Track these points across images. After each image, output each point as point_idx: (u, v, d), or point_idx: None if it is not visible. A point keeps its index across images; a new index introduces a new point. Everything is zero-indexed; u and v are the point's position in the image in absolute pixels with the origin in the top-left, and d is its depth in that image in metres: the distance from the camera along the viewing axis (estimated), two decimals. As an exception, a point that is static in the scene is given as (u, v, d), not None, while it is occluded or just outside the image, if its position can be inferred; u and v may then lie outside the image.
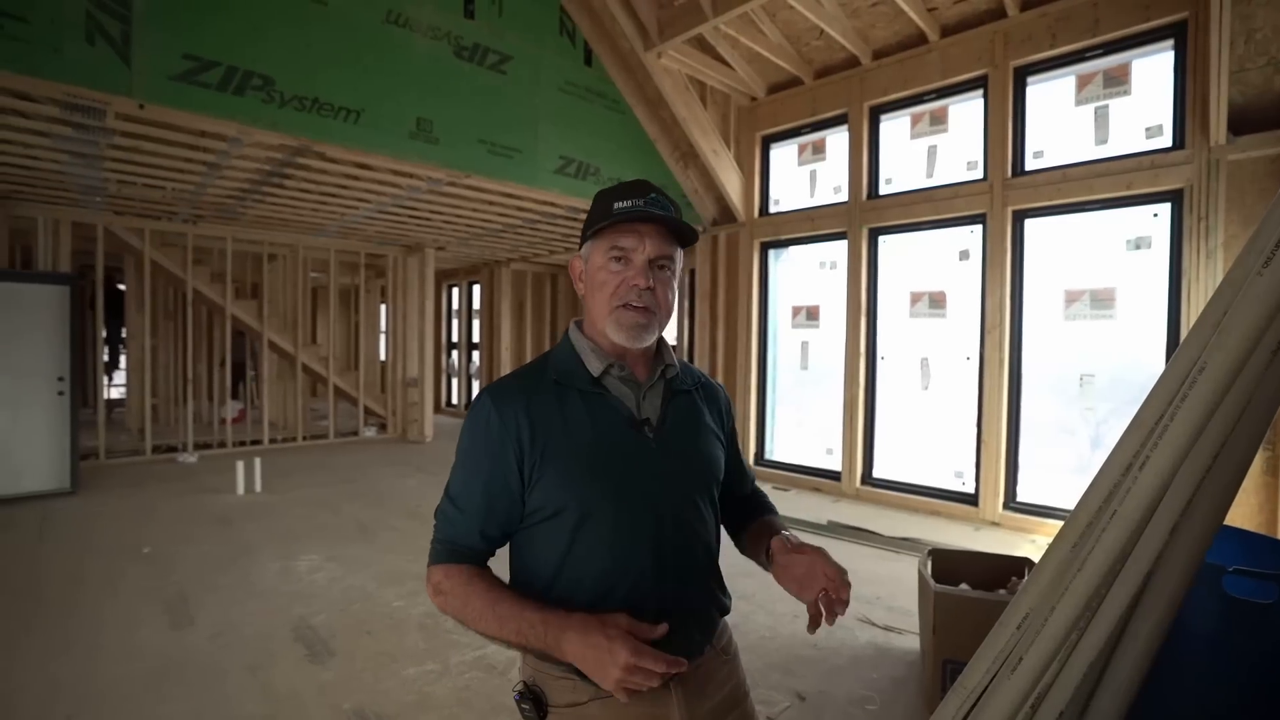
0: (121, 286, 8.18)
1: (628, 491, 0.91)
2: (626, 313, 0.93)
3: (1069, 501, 4.14)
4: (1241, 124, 3.46)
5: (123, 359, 9.79)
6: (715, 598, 1.01)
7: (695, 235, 0.98)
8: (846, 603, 0.90)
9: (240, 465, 5.11)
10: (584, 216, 6.01)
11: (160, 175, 4.64)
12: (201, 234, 6.61)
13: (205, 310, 7.85)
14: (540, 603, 0.86)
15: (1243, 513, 3.41)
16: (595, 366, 0.96)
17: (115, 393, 9.84)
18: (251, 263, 7.91)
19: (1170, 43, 3.79)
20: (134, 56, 3.28)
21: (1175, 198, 3.76)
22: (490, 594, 0.88)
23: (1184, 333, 3.66)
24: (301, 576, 3.36)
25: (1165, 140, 3.82)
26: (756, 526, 1.10)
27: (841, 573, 0.91)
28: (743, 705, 1.02)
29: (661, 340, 1.04)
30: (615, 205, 0.92)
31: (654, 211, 0.91)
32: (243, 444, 7.01)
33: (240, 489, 5.05)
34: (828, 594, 0.89)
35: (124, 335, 8.63)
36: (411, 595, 3.12)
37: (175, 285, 7.33)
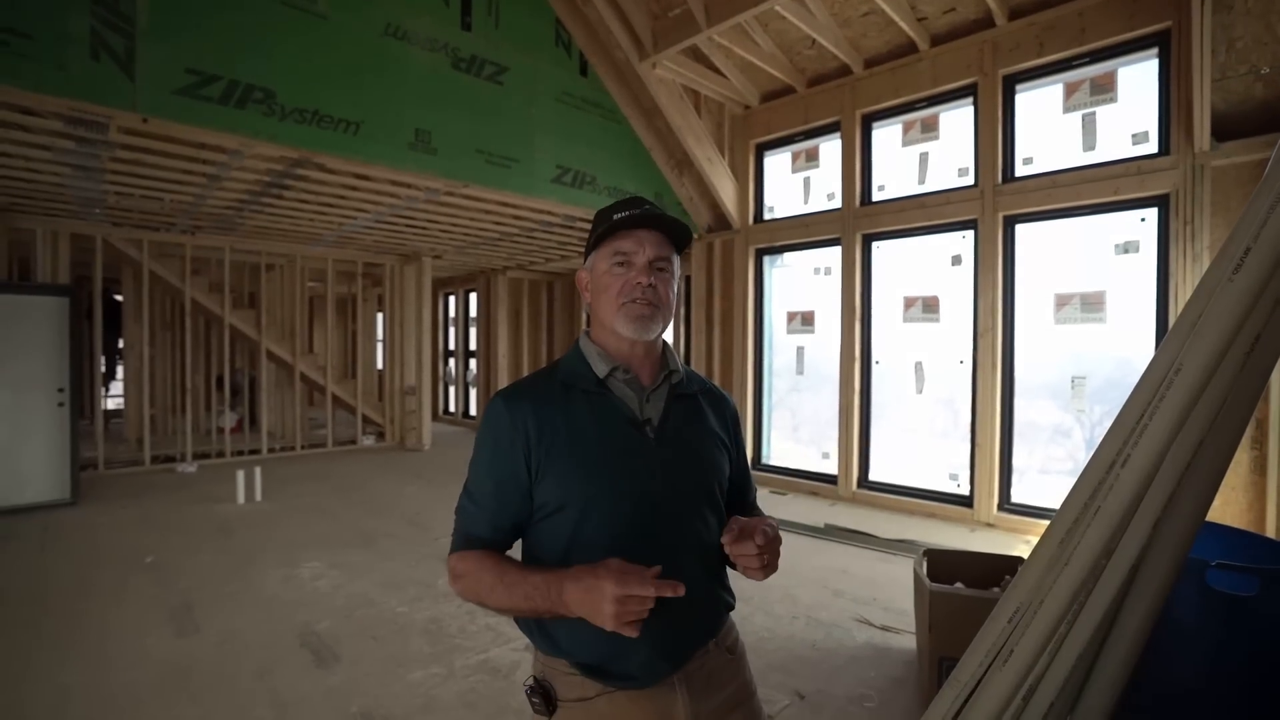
0: (119, 297, 8.19)
1: (627, 488, 0.96)
2: (633, 306, 0.99)
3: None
4: (1225, 130, 3.54)
5: (120, 370, 9.78)
6: (717, 594, 1.03)
7: (689, 235, 1.04)
8: (752, 555, 0.92)
9: (240, 474, 5.13)
10: (581, 225, 6.10)
11: (160, 187, 4.68)
12: (200, 244, 6.64)
13: (203, 320, 7.86)
14: (545, 568, 0.92)
15: (1232, 511, 3.47)
16: (601, 369, 1.01)
17: (112, 403, 9.82)
18: (249, 272, 7.94)
19: (1154, 51, 3.87)
20: (138, 71, 3.32)
21: (1162, 203, 3.83)
22: (498, 568, 0.93)
23: (1172, 335, 3.73)
24: (304, 584, 3.38)
25: (1151, 146, 3.90)
26: None
27: (765, 532, 0.93)
28: (748, 704, 1.04)
29: (666, 346, 1.08)
30: (615, 217, 1.00)
31: (649, 215, 0.99)
32: (241, 453, 7.03)
33: (241, 498, 5.07)
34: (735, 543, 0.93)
35: (121, 346, 8.64)
36: (414, 601, 3.15)
37: (173, 295, 7.36)
